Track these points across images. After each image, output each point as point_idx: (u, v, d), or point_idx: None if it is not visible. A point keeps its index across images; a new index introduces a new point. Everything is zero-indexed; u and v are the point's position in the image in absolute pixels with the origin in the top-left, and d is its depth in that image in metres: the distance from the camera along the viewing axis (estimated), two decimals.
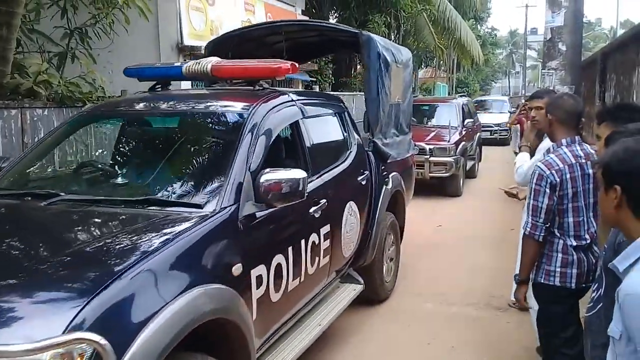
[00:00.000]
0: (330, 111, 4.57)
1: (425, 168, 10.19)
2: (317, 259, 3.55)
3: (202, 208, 2.73)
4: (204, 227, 2.56)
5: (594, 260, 2.94)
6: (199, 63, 3.74)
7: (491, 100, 25.28)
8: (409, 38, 24.98)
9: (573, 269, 2.91)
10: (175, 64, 3.99)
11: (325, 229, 3.67)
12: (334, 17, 20.73)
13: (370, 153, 4.83)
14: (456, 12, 24.66)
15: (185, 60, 9.31)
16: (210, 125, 3.46)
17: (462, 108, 12.37)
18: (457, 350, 4.31)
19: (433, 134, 11.08)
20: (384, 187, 4.92)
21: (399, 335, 4.58)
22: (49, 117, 5.57)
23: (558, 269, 2.93)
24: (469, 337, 4.54)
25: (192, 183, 3.05)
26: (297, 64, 3.78)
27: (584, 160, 2.91)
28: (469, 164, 12.16)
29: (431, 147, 10.43)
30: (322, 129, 4.22)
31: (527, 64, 54.78)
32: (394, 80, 5.21)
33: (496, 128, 20.97)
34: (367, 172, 4.63)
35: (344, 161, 4.30)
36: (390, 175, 5.09)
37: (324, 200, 3.65)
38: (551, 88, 6.24)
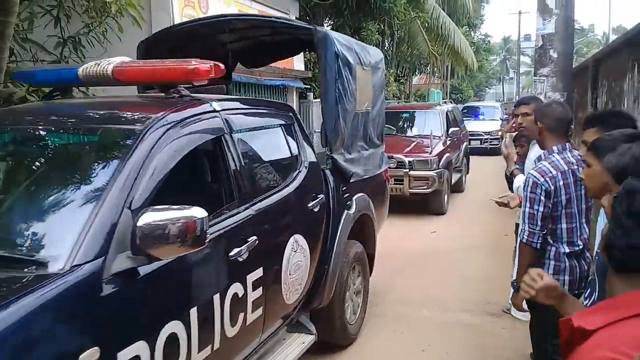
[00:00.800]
0: (274, 123, 3.64)
1: (404, 183, 8.93)
2: (241, 315, 2.64)
3: (45, 266, 1.82)
4: (39, 297, 1.66)
5: (586, 267, 2.90)
6: (98, 64, 2.88)
7: (481, 107, 23.30)
8: (403, 45, 24.56)
9: (565, 275, 2.86)
10: (74, 67, 3.07)
11: (256, 274, 2.78)
12: (328, 24, 20.23)
13: (328, 172, 3.94)
14: (449, 19, 24.21)
15: None
16: (87, 146, 2.48)
17: (447, 115, 11.01)
18: (451, 356, 4.22)
19: (413, 144, 9.76)
20: (346, 212, 4.01)
21: (392, 343, 4.48)
22: None
23: (551, 277, 2.47)
24: (463, 343, 4.45)
25: (41, 228, 2.08)
26: (221, 65, 2.89)
27: (575, 167, 2.83)
28: (455, 177, 10.76)
29: (411, 159, 9.09)
30: (259, 145, 3.32)
31: (521, 70, 54.21)
32: (359, 84, 4.29)
33: (486, 137, 19.14)
34: (321, 196, 3.72)
35: (288, 184, 3.39)
36: (354, 198, 4.19)
37: (254, 238, 2.76)
38: (541, 95, 5.78)
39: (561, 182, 2.80)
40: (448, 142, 10.19)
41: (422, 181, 8.90)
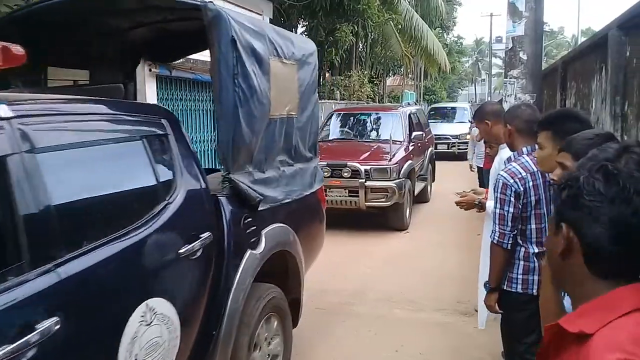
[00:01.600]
0: (128, 134, 2.43)
1: (360, 196, 7.75)
2: None
3: None
4: None
5: None
6: None
7: (449, 108, 21.52)
8: (377, 46, 24.61)
9: (535, 275, 2.83)
10: None
11: None
12: (302, 25, 20.23)
13: (223, 199, 2.88)
14: (422, 21, 24.26)
15: (150, 69, 8.65)
16: None
17: (410, 118, 9.81)
18: (425, 356, 4.17)
19: (371, 151, 8.53)
20: (249, 252, 2.96)
21: (367, 343, 4.42)
22: None
23: (520, 276, 2.87)
24: (436, 343, 4.42)
25: None
26: (16, 48, 1.88)
27: None
28: (419, 186, 9.63)
29: (368, 168, 7.88)
30: (93, 168, 2.15)
31: (493, 72, 54.83)
32: (276, 83, 3.26)
33: (454, 140, 17.78)
34: (207, 235, 2.62)
35: (143, 225, 2.23)
36: (265, 230, 3.15)
37: (53, 320, 1.68)
38: (511, 96, 5.83)
39: (531, 184, 2.79)
40: (411, 148, 9.04)
41: (381, 192, 7.78)
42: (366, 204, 7.83)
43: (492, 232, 2.88)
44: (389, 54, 24.36)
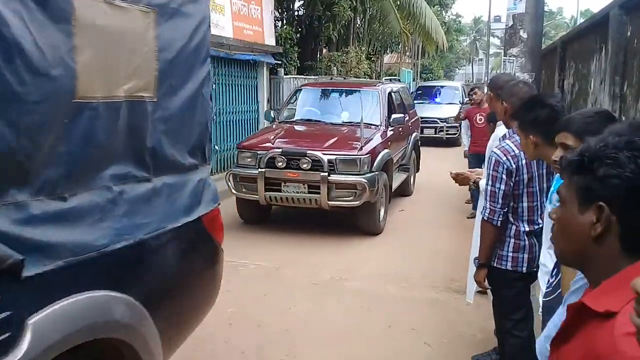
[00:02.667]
0: None
1: (321, 193, 6.29)
2: None
3: None
4: None
5: None
6: None
7: (438, 87, 18.92)
8: (375, 23, 24.37)
9: (525, 253, 2.87)
10: None
11: None
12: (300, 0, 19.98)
13: None
14: None
15: None
16: None
17: (390, 97, 8.20)
18: (417, 332, 4.19)
19: (338, 137, 6.93)
20: None
21: (359, 319, 4.42)
22: None
23: (510, 254, 2.89)
24: (429, 319, 4.43)
25: None
26: None
27: None
28: (400, 178, 8.17)
29: (332, 158, 6.34)
30: None
31: (490, 52, 54.45)
32: (94, 39, 1.93)
33: (442, 124, 15.73)
34: None
35: None
36: (32, 319, 1.68)
37: None
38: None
39: (523, 161, 2.79)
40: (389, 134, 7.52)
41: (348, 189, 6.33)
42: (329, 203, 6.34)
43: (483, 208, 2.90)
44: (387, 30, 24.15)
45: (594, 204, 1.06)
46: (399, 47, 29.12)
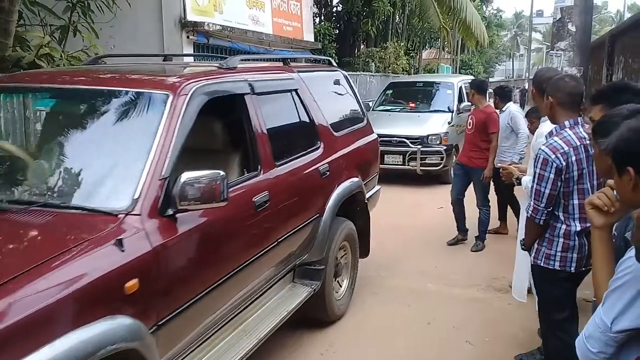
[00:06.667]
0: None
1: None
2: None
3: None
4: None
5: None
6: None
7: (419, 85, 11.66)
8: (414, 18, 24.08)
9: (574, 253, 2.80)
10: None
11: None
12: None
13: None
14: None
15: (188, 36, 8.81)
16: None
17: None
18: (458, 330, 4.12)
19: None
20: None
21: (398, 315, 4.39)
22: None
23: (559, 253, 2.82)
24: (469, 317, 4.35)
25: None
26: None
27: (588, 142, 2.71)
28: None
29: None
30: None
31: (532, 47, 53.37)
32: None
33: (415, 148, 9.20)
34: None
35: None
36: None
37: None
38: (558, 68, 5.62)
39: (573, 158, 2.72)
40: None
41: None
42: None
43: (528, 205, 2.86)
44: (426, 25, 23.86)
45: (625, 169, 1.53)
46: (438, 42, 28.75)
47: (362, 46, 21.84)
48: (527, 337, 3.95)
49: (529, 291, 3.66)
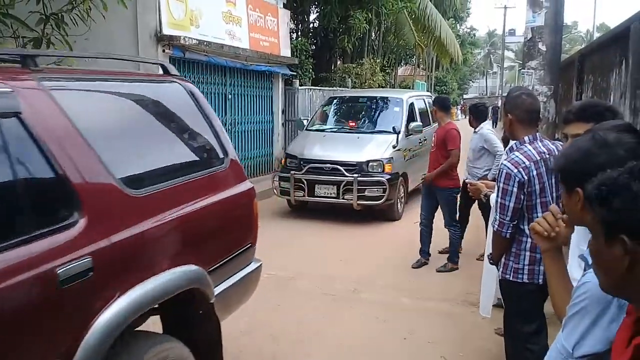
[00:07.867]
0: None
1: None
2: None
3: None
4: None
5: None
6: None
7: (364, 100, 9.81)
8: (390, 35, 24.40)
9: (541, 266, 2.79)
10: None
11: None
12: (316, 12, 20.07)
13: None
14: (436, 10, 24.04)
15: (164, 50, 8.76)
16: None
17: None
18: (433, 344, 4.14)
19: None
20: None
21: (374, 330, 4.40)
22: None
23: (526, 267, 2.86)
24: (444, 332, 4.38)
25: None
26: None
27: (547, 156, 2.83)
28: None
29: None
30: None
31: (505, 65, 54.43)
32: None
33: (351, 177, 7.55)
34: None
35: None
36: None
37: None
38: (529, 87, 5.71)
39: (534, 172, 2.78)
40: None
41: None
42: None
43: (494, 219, 2.92)
44: (402, 43, 24.20)
45: (618, 237, 1.04)
46: (413, 59, 29.13)
47: (338, 62, 21.99)
48: (499, 352, 3.94)
49: (500, 305, 3.69)
